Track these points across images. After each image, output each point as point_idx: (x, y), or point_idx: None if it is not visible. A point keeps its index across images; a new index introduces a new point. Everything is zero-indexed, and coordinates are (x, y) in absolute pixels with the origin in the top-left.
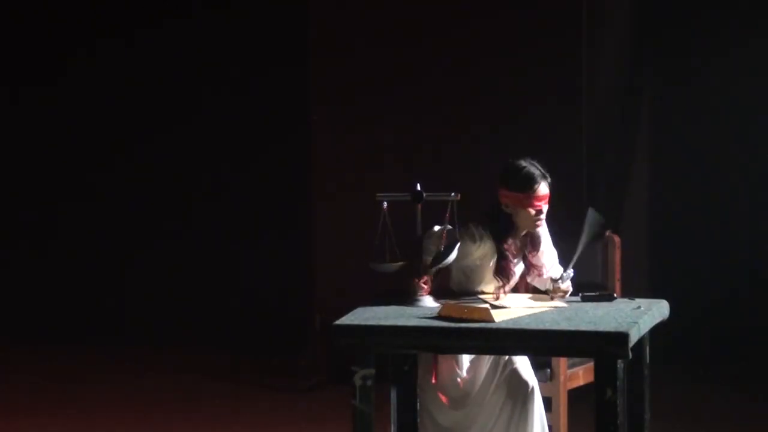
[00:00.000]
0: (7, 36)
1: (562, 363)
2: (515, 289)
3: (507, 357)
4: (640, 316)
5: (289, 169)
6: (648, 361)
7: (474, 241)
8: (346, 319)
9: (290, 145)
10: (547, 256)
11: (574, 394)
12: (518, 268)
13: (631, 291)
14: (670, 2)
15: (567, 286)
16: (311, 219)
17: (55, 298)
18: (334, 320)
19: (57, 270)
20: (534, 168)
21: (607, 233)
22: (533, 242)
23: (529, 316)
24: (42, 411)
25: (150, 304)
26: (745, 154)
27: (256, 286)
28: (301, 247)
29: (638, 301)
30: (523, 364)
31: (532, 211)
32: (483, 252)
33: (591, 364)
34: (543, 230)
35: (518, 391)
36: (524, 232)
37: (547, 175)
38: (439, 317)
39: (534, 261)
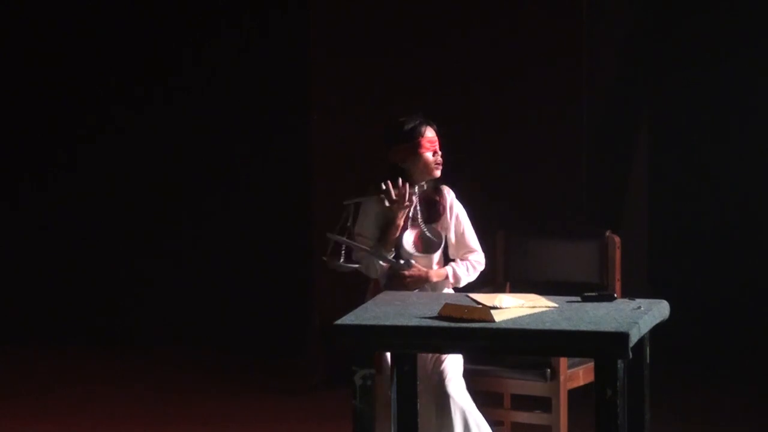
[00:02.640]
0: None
1: (562, 363)
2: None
3: (442, 364)
4: (640, 316)
5: (289, 168)
6: (648, 361)
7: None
8: (346, 319)
9: (290, 145)
10: (461, 238)
11: (574, 394)
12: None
13: (631, 291)
14: (671, 3)
15: (415, 270)
16: (311, 219)
17: (56, 299)
18: (334, 320)
19: (57, 270)
20: (416, 116)
21: (607, 233)
22: (430, 210)
23: (529, 316)
24: (43, 411)
25: (150, 304)
26: (746, 154)
27: (256, 285)
28: (301, 246)
29: (638, 301)
30: (452, 371)
31: (429, 154)
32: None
33: (591, 364)
34: (461, 212)
35: (440, 399)
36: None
37: (432, 122)
38: (439, 317)
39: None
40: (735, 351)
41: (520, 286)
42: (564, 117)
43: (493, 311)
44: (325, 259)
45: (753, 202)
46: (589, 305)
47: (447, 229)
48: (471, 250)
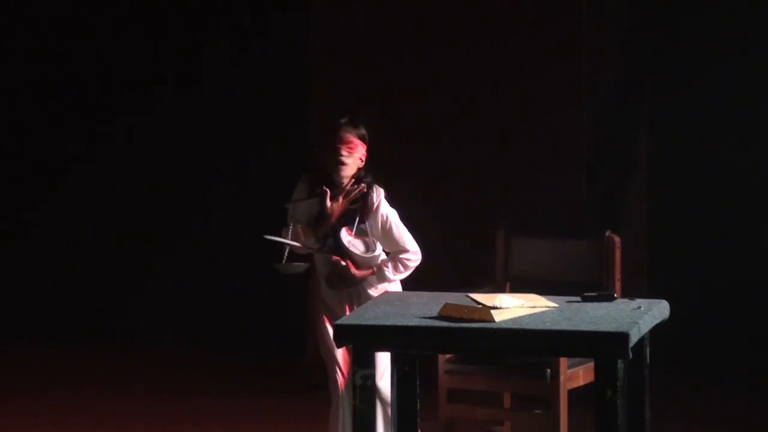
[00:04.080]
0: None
1: (562, 363)
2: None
3: None
4: (640, 316)
5: (289, 169)
6: (648, 361)
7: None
8: (346, 319)
9: (290, 145)
10: (389, 238)
11: (574, 394)
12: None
13: (631, 291)
14: (671, 3)
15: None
16: None
17: (56, 299)
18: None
19: (57, 270)
20: (346, 117)
21: (607, 233)
22: (363, 211)
23: (529, 316)
24: (43, 411)
25: (150, 304)
26: (745, 154)
27: (256, 285)
28: None
29: (638, 301)
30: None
31: (332, 154)
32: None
33: (591, 364)
34: (390, 213)
35: None
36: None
37: (360, 127)
38: (439, 317)
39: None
40: (735, 351)
41: (520, 286)
42: (564, 117)
43: (493, 311)
44: (276, 267)
45: (753, 202)
46: (589, 305)
47: (373, 228)
48: (402, 250)
